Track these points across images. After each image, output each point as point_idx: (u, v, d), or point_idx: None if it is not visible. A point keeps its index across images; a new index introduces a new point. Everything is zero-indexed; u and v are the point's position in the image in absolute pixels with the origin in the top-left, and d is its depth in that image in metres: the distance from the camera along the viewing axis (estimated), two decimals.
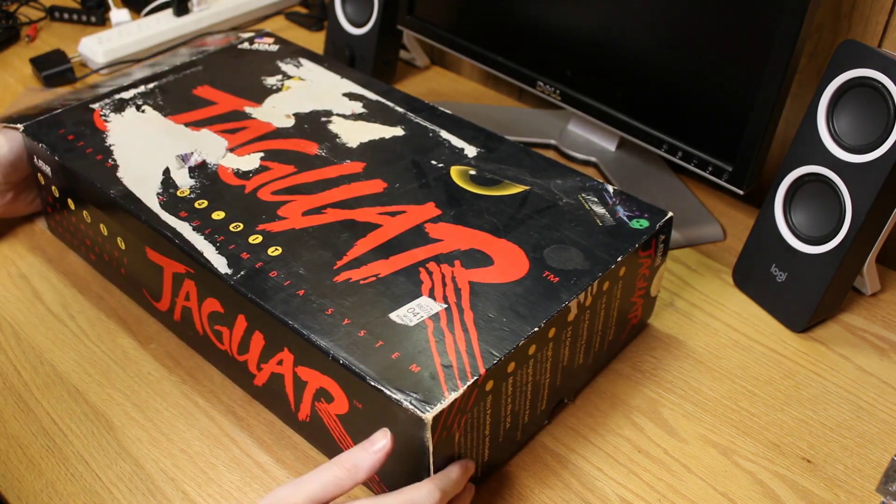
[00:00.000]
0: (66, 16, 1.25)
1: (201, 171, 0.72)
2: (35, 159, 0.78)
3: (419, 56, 1.18)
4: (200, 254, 0.63)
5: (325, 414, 0.60)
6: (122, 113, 0.80)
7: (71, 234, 0.80)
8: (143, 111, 0.80)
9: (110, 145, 0.75)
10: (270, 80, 0.86)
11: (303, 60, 0.90)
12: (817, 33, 0.84)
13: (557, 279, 0.62)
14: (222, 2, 1.23)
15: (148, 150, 0.74)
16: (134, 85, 0.84)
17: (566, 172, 0.74)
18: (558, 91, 0.92)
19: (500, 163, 0.74)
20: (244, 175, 0.72)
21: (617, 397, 0.70)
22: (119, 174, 0.71)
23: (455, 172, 0.73)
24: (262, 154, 0.75)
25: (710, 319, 0.78)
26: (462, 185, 0.71)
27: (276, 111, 0.81)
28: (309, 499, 0.50)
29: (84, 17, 1.25)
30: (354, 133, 0.78)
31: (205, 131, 0.77)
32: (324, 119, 0.80)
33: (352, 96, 0.84)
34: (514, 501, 0.62)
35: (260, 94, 0.83)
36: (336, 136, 0.78)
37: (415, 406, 0.52)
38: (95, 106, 0.80)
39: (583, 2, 0.87)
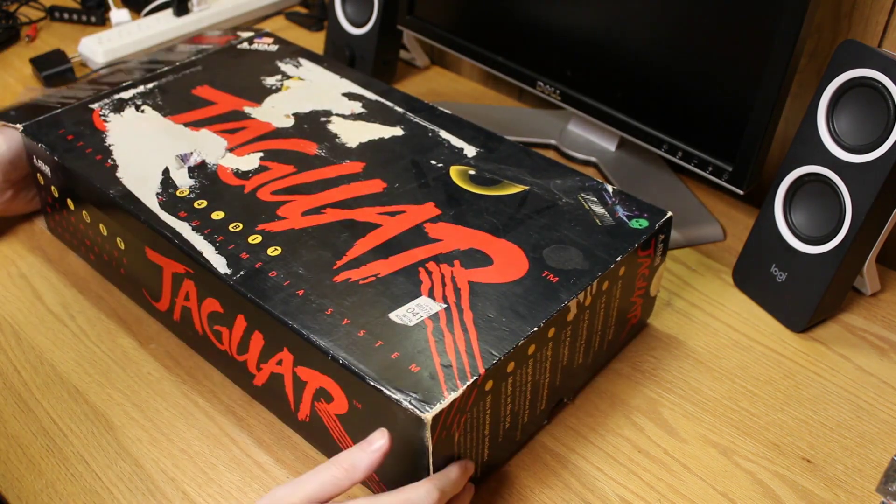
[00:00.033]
0: (66, 16, 1.25)
1: (201, 171, 0.72)
2: (34, 159, 0.78)
3: (419, 56, 1.18)
4: (200, 254, 0.63)
5: (324, 414, 0.60)
6: (122, 113, 0.80)
7: (70, 234, 0.80)
8: (142, 111, 0.80)
9: (110, 145, 0.75)
10: (270, 80, 0.86)
11: (302, 60, 0.90)
12: (817, 33, 0.84)
13: (557, 279, 0.62)
14: (222, 2, 1.23)
15: (147, 150, 0.74)
16: (133, 85, 0.84)
17: (565, 172, 0.74)
18: (558, 91, 0.92)
19: (499, 163, 0.74)
20: (244, 175, 0.72)
21: (617, 397, 0.70)
22: (118, 174, 0.71)
23: (454, 172, 0.73)
24: (261, 154, 0.75)
25: (709, 319, 0.78)
26: (461, 185, 0.71)
27: (275, 111, 0.81)
28: (307, 498, 0.51)
29: (84, 17, 1.25)
30: (354, 133, 0.78)
31: (204, 131, 0.77)
32: (323, 119, 0.80)
33: (351, 96, 0.84)
34: (514, 501, 0.62)
35: (259, 94, 0.83)
36: (335, 136, 0.77)
37: (414, 406, 0.52)
38: (95, 106, 0.80)
39: (583, 2, 0.87)
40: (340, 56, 1.11)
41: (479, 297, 0.60)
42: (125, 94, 0.83)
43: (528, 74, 0.94)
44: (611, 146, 0.98)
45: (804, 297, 0.75)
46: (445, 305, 0.59)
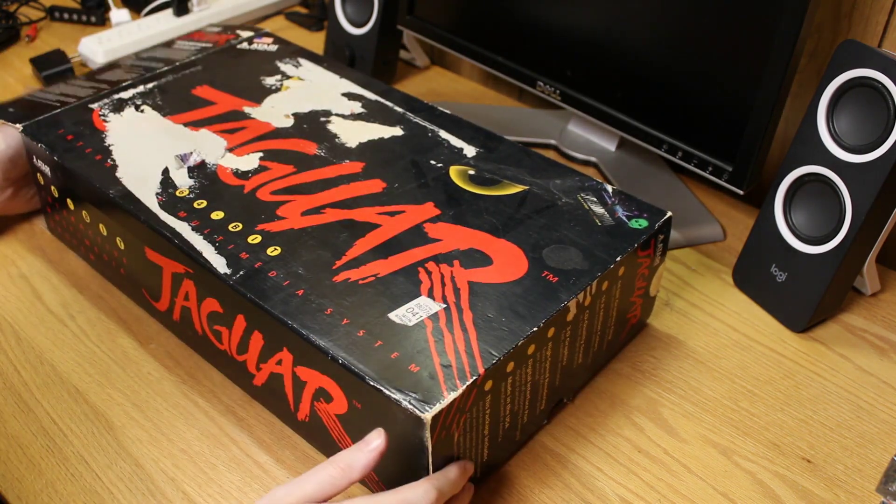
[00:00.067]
0: (66, 16, 1.25)
1: (200, 171, 0.72)
2: (34, 159, 0.78)
3: (419, 56, 1.18)
4: (199, 254, 0.63)
5: (324, 414, 0.60)
6: (121, 113, 0.80)
7: (70, 234, 0.80)
8: (142, 111, 0.80)
9: (109, 145, 0.75)
10: (269, 80, 0.86)
11: (302, 60, 0.90)
12: (817, 33, 0.84)
13: (556, 279, 0.62)
14: (222, 2, 1.23)
15: (147, 150, 0.74)
16: (133, 85, 0.84)
17: (565, 172, 0.74)
18: (558, 91, 0.92)
19: (499, 163, 0.74)
20: (243, 175, 0.72)
21: (616, 397, 0.70)
22: (118, 174, 0.71)
23: (454, 172, 0.73)
24: (261, 154, 0.75)
25: (709, 319, 0.78)
26: (461, 185, 0.71)
27: (275, 111, 0.81)
28: (305, 498, 0.51)
29: (84, 17, 1.25)
30: (353, 133, 0.78)
31: (204, 131, 0.77)
32: (323, 119, 0.80)
33: (351, 96, 0.84)
34: (514, 501, 0.62)
35: (259, 94, 0.83)
36: (335, 135, 0.77)
37: (414, 406, 0.52)
38: (94, 106, 0.81)
39: (583, 2, 0.87)
40: (340, 56, 1.11)
41: (479, 297, 0.60)
42: (125, 94, 0.83)
43: (528, 74, 0.94)
44: (611, 146, 0.98)
45: (804, 297, 0.75)
46: (445, 305, 0.59)
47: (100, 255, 0.77)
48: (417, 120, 0.80)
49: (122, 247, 0.72)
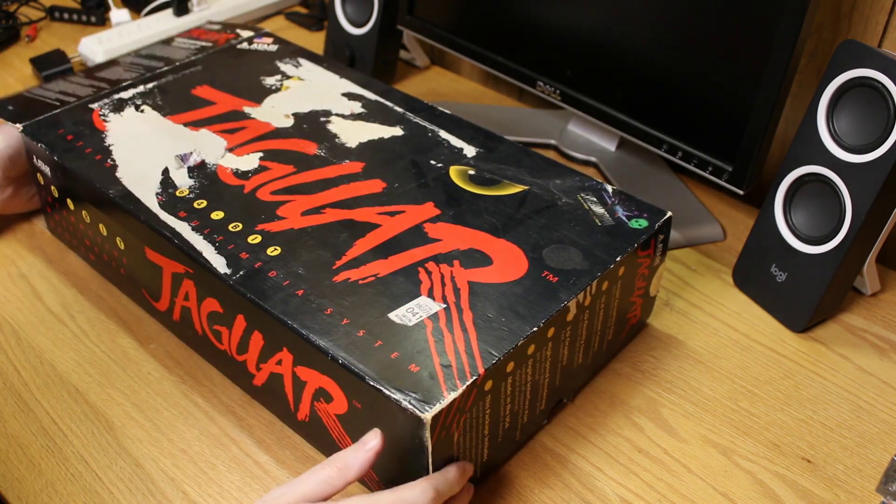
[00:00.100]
0: (66, 16, 1.25)
1: (200, 170, 0.72)
2: (34, 159, 0.78)
3: (419, 56, 1.18)
4: (199, 254, 0.63)
5: (324, 414, 0.60)
6: (121, 113, 0.80)
7: (70, 234, 0.80)
8: (142, 111, 0.80)
9: (109, 145, 0.75)
10: (269, 80, 0.86)
11: (302, 60, 0.90)
12: (817, 33, 0.84)
13: (556, 279, 0.62)
14: (222, 2, 1.23)
15: (147, 150, 0.74)
16: (133, 84, 0.84)
17: (565, 172, 0.74)
18: (558, 91, 0.92)
19: (499, 163, 0.74)
20: (243, 175, 0.72)
21: (616, 397, 0.70)
22: (118, 174, 0.71)
23: (454, 172, 0.73)
24: (261, 154, 0.75)
25: (709, 319, 0.78)
26: (461, 185, 0.71)
27: (275, 111, 0.81)
28: (303, 498, 0.51)
29: (84, 17, 1.25)
30: (353, 133, 0.78)
31: (204, 131, 0.77)
32: (323, 119, 0.80)
33: (351, 96, 0.84)
34: (514, 501, 0.62)
35: (259, 94, 0.83)
36: (335, 135, 0.77)
37: (414, 406, 0.52)
38: (94, 106, 0.81)
39: (583, 2, 0.87)
40: (340, 56, 1.11)
41: (479, 297, 0.60)
42: (125, 94, 0.83)
43: (528, 74, 0.94)
44: (611, 146, 0.98)
45: (804, 297, 0.75)
46: (445, 305, 0.59)
47: (100, 255, 0.77)
48: (417, 120, 0.80)
49: (122, 247, 0.72)
